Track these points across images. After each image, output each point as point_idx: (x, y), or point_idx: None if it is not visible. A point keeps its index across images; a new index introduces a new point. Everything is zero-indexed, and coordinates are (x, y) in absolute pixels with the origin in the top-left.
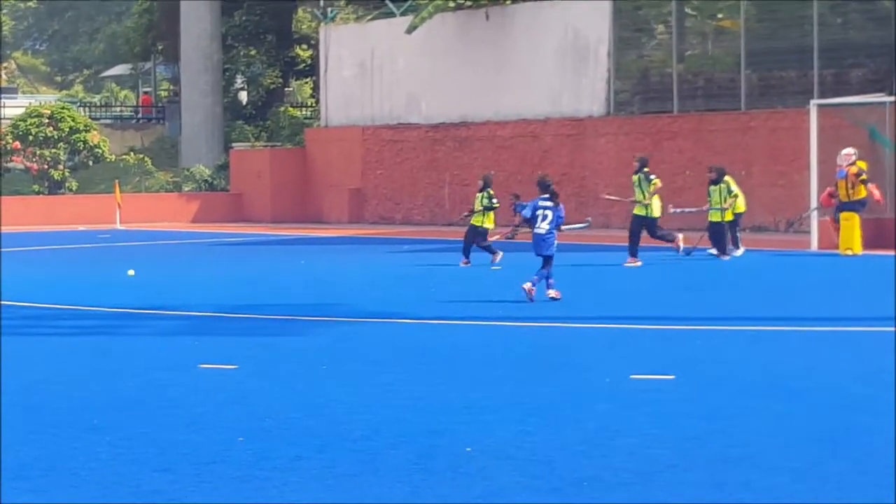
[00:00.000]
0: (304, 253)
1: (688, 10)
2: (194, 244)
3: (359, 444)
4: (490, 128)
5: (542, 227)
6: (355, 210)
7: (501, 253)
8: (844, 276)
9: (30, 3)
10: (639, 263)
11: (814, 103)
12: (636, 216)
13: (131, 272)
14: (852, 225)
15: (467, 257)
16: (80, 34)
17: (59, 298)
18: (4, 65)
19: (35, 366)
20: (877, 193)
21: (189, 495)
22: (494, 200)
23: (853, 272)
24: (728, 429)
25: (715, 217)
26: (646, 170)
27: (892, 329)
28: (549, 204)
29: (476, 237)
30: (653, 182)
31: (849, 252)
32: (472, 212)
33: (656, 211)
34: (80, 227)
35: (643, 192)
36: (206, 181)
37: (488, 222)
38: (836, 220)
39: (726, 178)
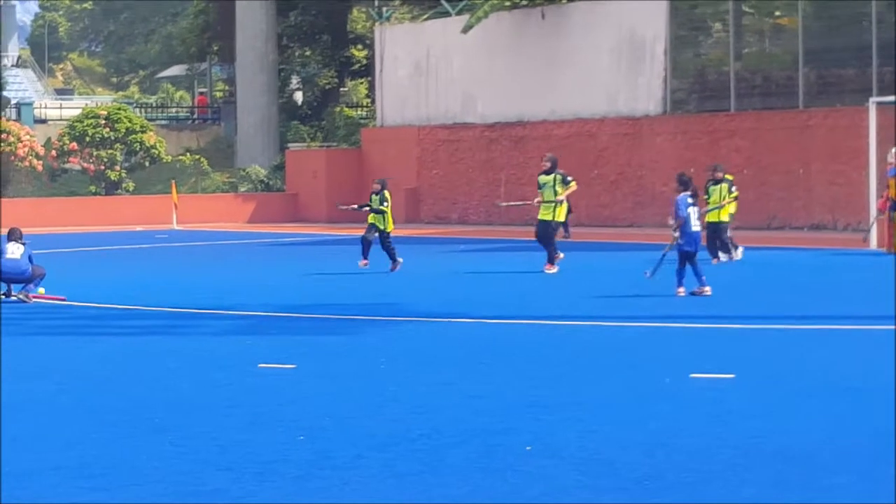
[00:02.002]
0: (360, 253)
1: (745, 8)
2: (250, 244)
3: (418, 444)
4: (546, 127)
5: (697, 224)
6: (411, 210)
7: (401, 260)
8: None
9: (86, 5)
10: (555, 269)
11: (872, 101)
12: (543, 221)
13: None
14: None
15: (366, 257)
16: (135, 35)
17: (118, 299)
18: (60, 66)
19: (95, 365)
20: None
21: (250, 494)
22: (385, 204)
23: None
24: (789, 428)
25: (713, 217)
26: (560, 171)
27: None
28: (693, 201)
29: (381, 238)
30: (570, 184)
31: None
32: (365, 207)
33: (562, 215)
34: (138, 228)
35: (555, 193)
36: (261, 181)
37: (389, 226)
38: (893, 220)
39: (727, 177)
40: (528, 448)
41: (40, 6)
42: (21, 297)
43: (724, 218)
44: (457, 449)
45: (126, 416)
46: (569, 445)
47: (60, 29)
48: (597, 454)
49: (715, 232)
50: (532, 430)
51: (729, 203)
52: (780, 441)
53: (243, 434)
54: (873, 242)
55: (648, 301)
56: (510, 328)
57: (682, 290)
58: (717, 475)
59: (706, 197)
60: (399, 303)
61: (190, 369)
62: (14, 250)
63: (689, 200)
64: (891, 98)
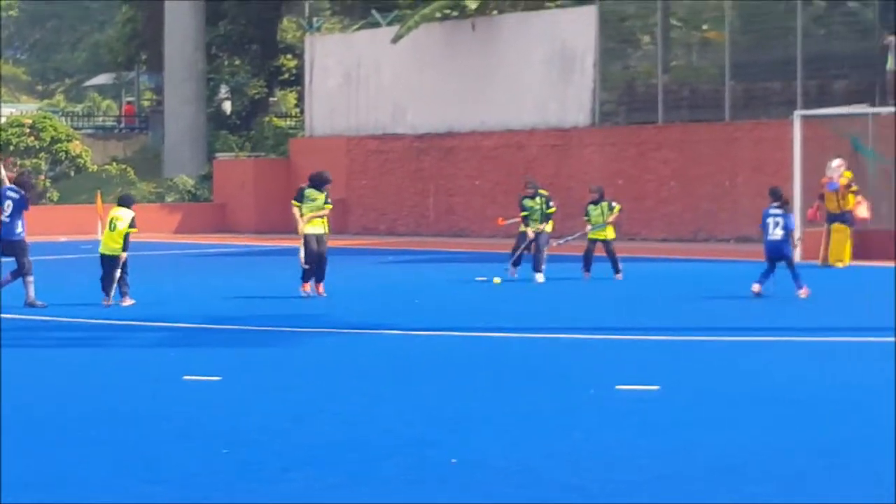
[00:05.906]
0: (288, 264)
1: (673, 22)
2: (177, 255)
3: (346, 456)
4: (475, 138)
5: (777, 233)
6: (339, 220)
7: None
8: (838, 287)
9: (11, 13)
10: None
11: (797, 114)
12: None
13: None
14: (844, 237)
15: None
16: (62, 44)
17: (45, 310)
18: None
19: (16, 378)
20: (864, 211)
21: None
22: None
23: (846, 283)
24: (715, 439)
25: (597, 235)
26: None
27: (891, 339)
28: (779, 211)
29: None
30: (325, 206)
31: (839, 264)
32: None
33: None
34: (62, 238)
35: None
36: (189, 191)
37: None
38: (828, 232)
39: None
40: (452, 461)
41: None
42: None
43: (611, 235)
44: (385, 461)
45: (47, 427)
46: (495, 456)
47: None
48: (522, 465)
49: (590, 250)
50: (458, 441)
51: (613, 220)
52: (707, 452)
53: (168, 446)
54: (797, 255)
55: (575, 312)
56: (437, 340)
57: (756, 286)
58: (644, 485)
59: (586, 217)
60: (327, 314)
61: (116, 381)
62: None
63: (773, 212)
64: (815, 111)
